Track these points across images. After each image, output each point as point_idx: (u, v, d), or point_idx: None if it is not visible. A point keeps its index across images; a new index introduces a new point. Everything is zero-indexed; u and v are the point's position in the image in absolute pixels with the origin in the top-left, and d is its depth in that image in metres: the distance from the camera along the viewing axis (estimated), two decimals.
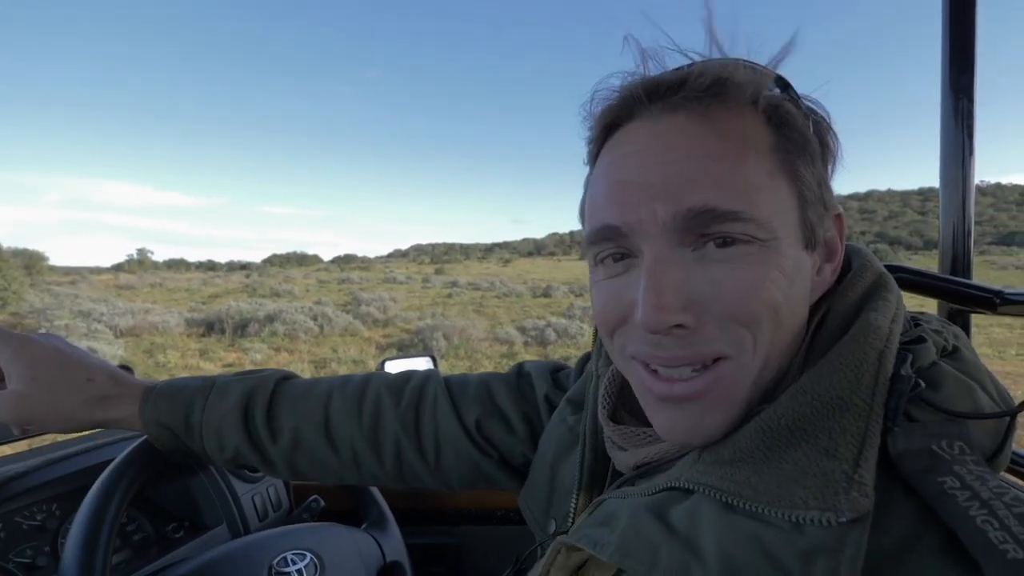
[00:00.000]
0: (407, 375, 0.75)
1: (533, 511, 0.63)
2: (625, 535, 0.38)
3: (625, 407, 0.53)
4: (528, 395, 0.70)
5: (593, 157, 0.46)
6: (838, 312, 0.41)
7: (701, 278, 0.38)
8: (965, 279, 0.90)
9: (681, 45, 0.42)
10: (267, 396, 0.71)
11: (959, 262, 0.91)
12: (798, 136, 0.41)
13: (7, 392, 0.64)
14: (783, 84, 0.43)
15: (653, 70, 0.42)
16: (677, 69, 0.41)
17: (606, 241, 0.42)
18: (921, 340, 0.41)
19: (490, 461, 0.69)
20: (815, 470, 0.33)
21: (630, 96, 0.41)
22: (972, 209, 0.91)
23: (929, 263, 0.99)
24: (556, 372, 0.72)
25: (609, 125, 0.44)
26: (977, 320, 0.83)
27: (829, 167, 0.44)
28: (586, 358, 0.69)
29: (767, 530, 0.33)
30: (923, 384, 0.37)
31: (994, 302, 0.77)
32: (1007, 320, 0.83)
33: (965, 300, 0.82)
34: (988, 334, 12.16)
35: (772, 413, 0.36)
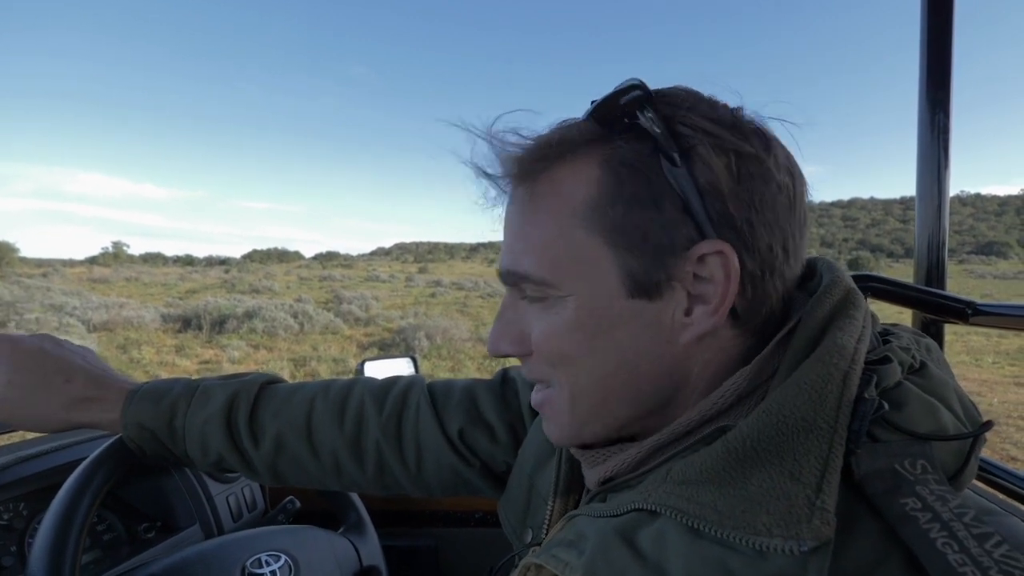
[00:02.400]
0: (391, 381, 0.74)
1: (510, 520, 0.63)
2: (593, 558, 0.39)
3: None
4: (512, 403, 0.70)
5: None
6: (806, 327, 0.41)
7: (526, 321, 0.48)
8: (939, 290, 0.92)
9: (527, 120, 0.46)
10: (250, 400, 0.71)
11: (933, 273, 0.93)
12: (628, 180, 0.41)
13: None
14: (650, 104, 0.41)
15: (507, 149, 0.46)
16: (521, 144, 0.45)
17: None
18: (887, 360, 0.41)
19: (472, 470, 0.69)
20: (778, 493, 0.34)
21: (500, 173, 0.47)
22: (947, 221, 0.93)
23: (909, 271, 1.01)
24: None
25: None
26: (955, 328, 0.85)
27: (716, 195, 0.40)
28: None
29: (733, 556, 0.34)
30: (886, 406, 0.37)
31: (966, 313, 0.79)
32: (983, 328, 0.85)
33: (938, 310, 0.84)
34: (966, 342, 12.46)
35: (738, 434, 0.37)
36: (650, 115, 0.41)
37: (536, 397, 0.50)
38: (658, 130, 0.40)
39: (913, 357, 0.43)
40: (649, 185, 0.41)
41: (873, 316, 0.46)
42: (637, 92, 0.41)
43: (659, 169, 0.41)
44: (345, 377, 0.77)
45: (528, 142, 0.45)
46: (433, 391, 0.72)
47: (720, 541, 0.34)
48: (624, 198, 0.41)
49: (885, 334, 0.46)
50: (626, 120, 0.42)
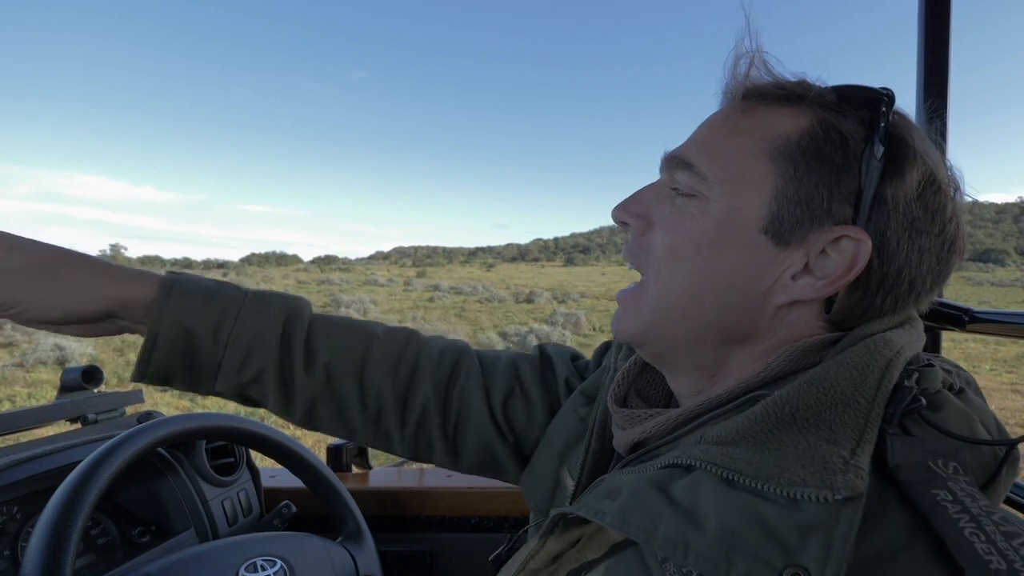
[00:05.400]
0: (443, 342, 0.72)
1: (535, 497, 0.64)
2: (626, 504, 0.39)
3: (638, 391, 0.57)
4: (550, 381, 0.71)
5: None
6: (862, 331, 0.43)
7: (659, 209, 0.50)
8: (936, 297, 0.92)
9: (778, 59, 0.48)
10: (306, 322, 0.65)
11: None
12: (825, 145, 0.44)
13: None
14: (878, 106, 0.44)
15: (748, 74, 0.48)
16: (766, 79, 0.48)
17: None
18: (930, 366, 0.43)
19: (504, 445, 0.68)
20: (814, 453, 0.35)
21: (724, 91, 0.50)
22: None
23: None
24: (574, 360, 0.73)
25: None
26: (953, 335, 0.86)
27: (890, 199, 0.43)
28: (603, 350, 0.70)
29: (766, 505, 0.35)
30: (924, 401, 0.39)
31: (963, 319, 0.79)
32: (981, 336, 0.85)
33: (935, 317, 0.84)
34: (963, 349, 12.48)
35: (777, 398, 0.39)
36: (887, 112, 0.44)
37: (624, 293, 0.53)
38: (883, 124, 0.44)
39: (955, 380, 0.45)
40: (843, 159, 0.43)
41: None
42: (888, 93, 0.44)
43: (859, 154, 0.43)
44: (394, 325, 0.73)
45: (771, 76, 0.48)
46: (482, 359, 0.71)
47: (753, 491, 0.36)
48: (815, 155, 0.44)
49: (930, 360, 0.48)
50: (865, 109, 0.45)
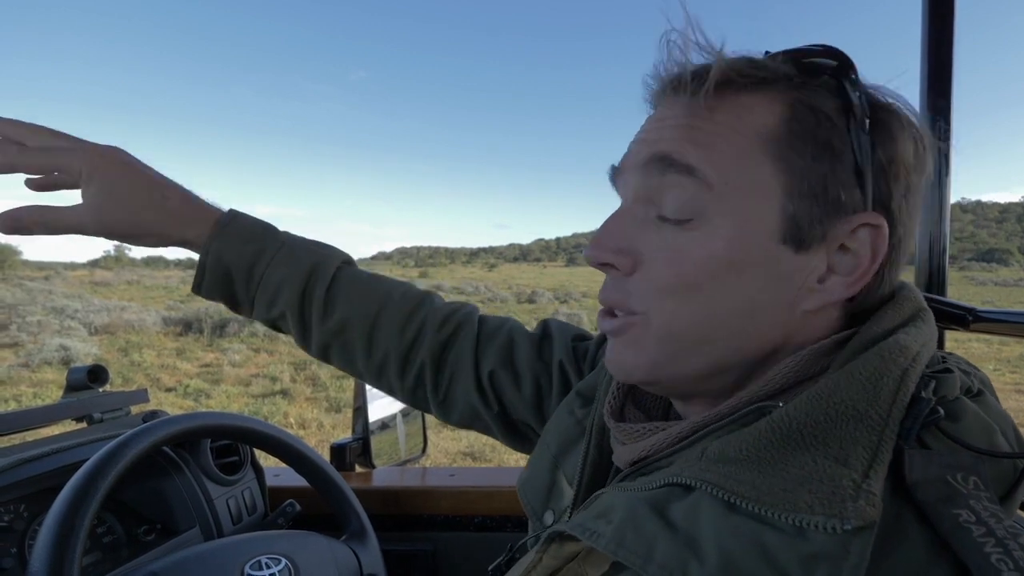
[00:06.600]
0: (455, 307, 0.77)
1: (532, 501, 0.62)
2: (622, 527, 0.37)
3: (635, 402, 0.54)
4: (545, 357, 0.72)
5: None
6: (872, 329, 0.40)
7: (649, 236, 0.43)
8: (939, 296, 0.92)
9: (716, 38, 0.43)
10: (328, 276, 0.72)
11: (934, 279, 0.93)
12: (812, 128, 0.40)
13: (88, 201, 0.65)
14: (842, 74, 0.41)
15: (681, 62, 0.43)
16: (699, 64, 0.43)
17: (614, 182, 0.48)
18: (948, 371, 0.40)
19: (490, 412, 0.72)
20: (823, 476, 0.33)
21: (657, 88, 0.46)
22: (948, 227, 0.94)
23: (910, 277, 1.01)
24: (577, 340, 0.73)
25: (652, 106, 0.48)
26: (956, 335, 0.85)
27: (890, 172, 0.41)
28: (602, 339, 0.69)
29: (770, 533, 0.32)
30: (942, 412, 0.36)
31: (967, 319, 0.79)
32: (984, 336, 0.85)
33: (939, 317, 0.84)
34: (967, 349, 12.42)
35: (783, 415, 0.36)
36: (853, 77, 0.42)
37: (613, 323, 0.45)
38: (858, 92, 0.41)
39: (972, 382, 0.42)
40: (839, 139, 0.40)
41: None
42: (842, 53, 0.42)
43: (844, 129, 0.40)
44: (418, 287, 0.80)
45: (714, 57, 0.41)
46: (481, 328, 0.74)
47: (757, 517, 0.33)
48: (808, 143, 0.40)
49: (943, 358, 0.45)
50: (827, 76, 0.42)
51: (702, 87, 0.41)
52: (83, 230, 0.66)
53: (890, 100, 0.42)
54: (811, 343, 0.42)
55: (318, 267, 0.72)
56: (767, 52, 0.44)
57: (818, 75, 0.42)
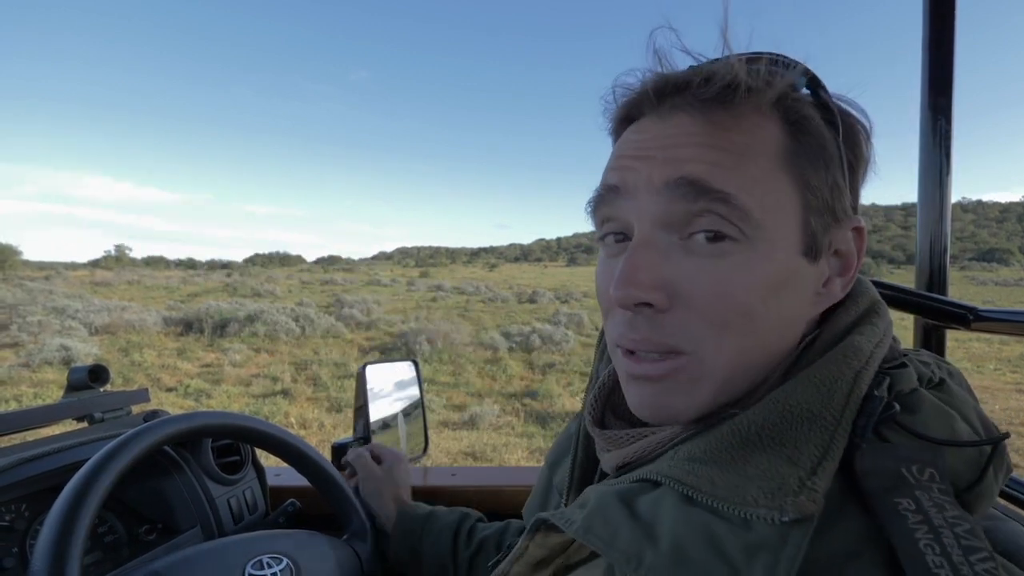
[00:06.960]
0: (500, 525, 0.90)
1: (530, 505, 0.66)
2: (591, 515, 0.40)
3: (613, 410, 0.55)
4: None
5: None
6: (830, 332, 0.42)
7: (681, 265, 0.40)
8: (940, 295, 0.92)
9: (698, 47, 0.43)
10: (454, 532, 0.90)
11: (935, 278, 0.93)
12: (812, 140, 0.41)
13: (383, 474, 1.01)
14: (814, 83, 0.43)
15: (666, 69, 0.43)
16: (688, 69, 0.43)
17: (606, 206, 0.44)
18: (903, 367, 0.41)
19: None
20: (773, 473, 0.35)
21: (641, 93, 0.43)
22: (949, 227, 0.94)
23: (910, 277, 1.01)
24: None
25: (624, 118, 0.46)
26: (957, 334, 0.86)
27: (859, 174, 0.44)
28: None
29: (719, 523, 0.35)
30: (897, 407, 0.38)
31: (968, 318, 0.79)
32: (985, 335, 0.84)
33: (940, 316, 0.84)
34: (967, 348, 12.41)
35: (744, 419, 0.38)
36: (823, 92, 0.43)
37: (656, 368, 0.41)
38: (835, 105, 0.42)
39: (933, 372, 0.43)
40: (827, 150, 0.42)
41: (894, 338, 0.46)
42: (809, 72, 0.42)
43: (832, 138, 0.42)
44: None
45: (724, 67, 0.40)
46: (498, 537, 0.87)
47: (711, 509, 0.36)
48: (812, 155, 0.41)
49: (904, 353, 0.46)
50: (806, 90, 0.43)
51: (709, 97, 0.40)
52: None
53: (846, 104, 0.44)
54: (795, 347, 0.43)
55: (452, 529, 0.90)
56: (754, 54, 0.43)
57: (807, 87, 0.43)
